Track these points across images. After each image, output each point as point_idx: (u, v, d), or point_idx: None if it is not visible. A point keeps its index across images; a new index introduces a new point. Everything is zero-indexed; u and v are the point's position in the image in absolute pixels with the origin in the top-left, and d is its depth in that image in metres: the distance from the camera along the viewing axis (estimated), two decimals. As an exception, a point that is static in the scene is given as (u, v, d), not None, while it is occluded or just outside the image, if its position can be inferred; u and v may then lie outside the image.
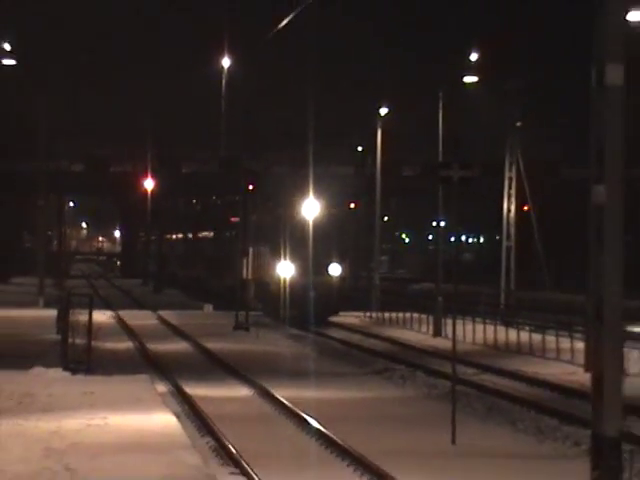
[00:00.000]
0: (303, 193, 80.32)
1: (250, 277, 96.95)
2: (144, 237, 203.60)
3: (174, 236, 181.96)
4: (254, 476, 32.38)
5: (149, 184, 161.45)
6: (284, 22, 51.95)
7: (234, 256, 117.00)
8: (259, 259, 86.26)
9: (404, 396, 51.05)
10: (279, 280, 73.77)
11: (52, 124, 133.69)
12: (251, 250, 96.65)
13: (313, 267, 73.26)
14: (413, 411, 46.06)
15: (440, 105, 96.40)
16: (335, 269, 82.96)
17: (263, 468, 33.07)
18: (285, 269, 71.78)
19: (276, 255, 75.66)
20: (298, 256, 75.43)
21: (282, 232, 74.19)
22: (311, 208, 71.34)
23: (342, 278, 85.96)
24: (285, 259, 73.76)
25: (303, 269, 72.94)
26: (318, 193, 77.25)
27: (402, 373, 59.64)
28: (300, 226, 73.06)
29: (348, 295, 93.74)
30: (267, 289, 76.74)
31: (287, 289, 73.72)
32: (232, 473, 33.28)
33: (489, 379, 56.67)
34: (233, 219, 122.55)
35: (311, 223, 71.09)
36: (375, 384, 55.69)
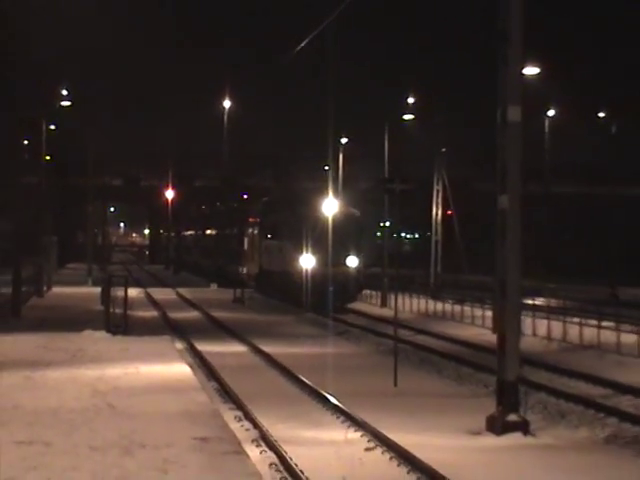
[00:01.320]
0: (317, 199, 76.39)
1: (267, 268, 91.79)
2: (166, 233, 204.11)
3: (189, 233, 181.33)
4: (247, 410, 32.65)
5: (170, 194, 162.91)
6: (300, 46, 47.02)
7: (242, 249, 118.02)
8: (282, 252, 78.71)
9: (358, 351, 51.14)
10: (301, 271, 69.10)
11: (98, 148, 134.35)
12: (267, 244, 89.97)
13: (332, 259, 67.67)
14: (365, 362, 46.17)
15: (386, 136, 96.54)
16: (352, 261, 76.72)
17: (253, 404, 33.33)
18: (307, 261, 67.99)
19: (298, 249, 70.51)
20: (318, 250, 70.13)
21: (304, 228, 69.15)
22: (331, 207, 66.05)
23: (358, 269, 79.00)
24: (307, 252, 69.41)
25: (323, 261, 68.18)
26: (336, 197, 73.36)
27: (357, 334, 59.70)
28: (321, 223, 67.32)
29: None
30: (290, 279, 72.49)
31: (309, 279, 67.97)
32: (230, 408, 33.45)
33: (422, 339, 56.77)
34: (251, 219, 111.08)
35: (330, 220, 65.74)
36: (337, 343, 55.67)
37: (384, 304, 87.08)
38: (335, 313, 62.69)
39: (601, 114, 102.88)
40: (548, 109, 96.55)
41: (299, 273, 67.80)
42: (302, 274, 67.65)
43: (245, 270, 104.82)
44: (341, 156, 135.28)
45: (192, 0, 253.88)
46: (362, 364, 45.73)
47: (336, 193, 76.33)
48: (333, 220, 64.85)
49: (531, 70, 66.46)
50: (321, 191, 71.32)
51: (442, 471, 24.19)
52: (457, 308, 72.04)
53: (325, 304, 65.23)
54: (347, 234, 74.68)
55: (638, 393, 37.99)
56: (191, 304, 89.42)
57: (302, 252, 67.24)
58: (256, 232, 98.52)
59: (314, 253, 67.01)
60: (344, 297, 70.49)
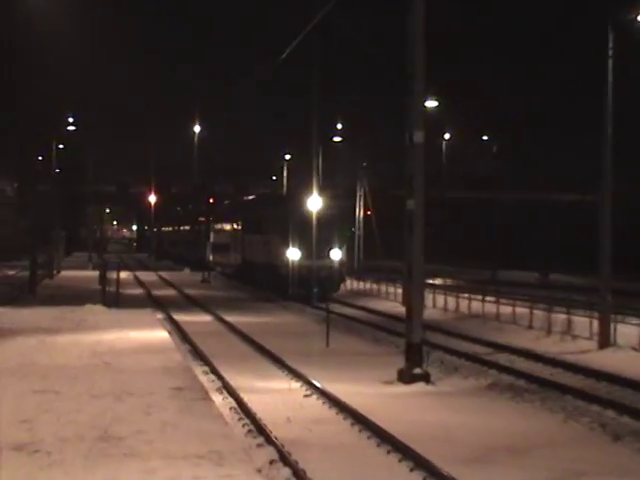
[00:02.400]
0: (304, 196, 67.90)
1: (250, 259, 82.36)
2: (149, 229, 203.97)
3: (166, 229, 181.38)
4: (213, 365, 32.76)
5: (152, 198, 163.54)
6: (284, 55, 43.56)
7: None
8: (267, 246, 69.90)
9: (299, 321, 51.19)
10: (287, 263, 62.14)
11: (96, 162, 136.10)
12: (250, 238, 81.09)
13: (316, 253, 59.99)
14: (304, 329, 46.21)
15: (320, 154, 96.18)
16: (335, 254, 65.52)
17: (217, 361, 33.40)
18: (293, 254, 61.10)
19: (284, 242, 62.91)
20: (304, 243, 62.21)
21: (289, 223, 62.99)
22: (315, 204, 60.33)
23: (341, 262, 67.67)
24: (292, 246, 62.11)
25: (308, 254, 60.48)
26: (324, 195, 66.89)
27: (298, 307, 59.63)
28: (305, 218, 61.01)
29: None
30: (276, 271, 64.94)
31: (294, 271, 61.90)
32: (200, 365, 33.52)
33: (348, 310, 56.85)
34: (232, 217, 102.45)
35: (315, 216, 59.92)
36: (282, 313, 55.86)
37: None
38: (319, 303, 55.97)
39: (485, 137, 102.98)
40: (444, 132, 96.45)
41: (285, 265, 61.58)
42: (288, 266, 61.43)
43: (228, 260, 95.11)
44: (285, 169, 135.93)
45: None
46: (302, 330, 45.85)
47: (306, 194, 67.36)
48: (317, 216, 58.90)
49: (432, 103, 67.13)
50: (305, 190, 65.82)
51: (361, 411, 24.38)
52: (375, 287, 71.89)
53: (309, 294, 60.21)
54: (330, 229, 65.44)
55: (512, 351, 38.55)
56: (168, 283, 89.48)
57: (288, 246, 61.26)
58: (238, 227, 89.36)
59: (299, 247, 60.88)
60: (328, 288, 61.73)
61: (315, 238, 58.60)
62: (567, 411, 26.07)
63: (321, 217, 58.68)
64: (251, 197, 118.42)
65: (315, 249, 58.76)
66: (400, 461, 19.98)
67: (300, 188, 72.76)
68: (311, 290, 59.21)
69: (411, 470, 19.23)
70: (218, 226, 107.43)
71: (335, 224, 65.15)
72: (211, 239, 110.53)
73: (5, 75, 46.75)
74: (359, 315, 54.25)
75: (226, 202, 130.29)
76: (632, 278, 61.19)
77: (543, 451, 21.26)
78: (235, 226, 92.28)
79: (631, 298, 44.44)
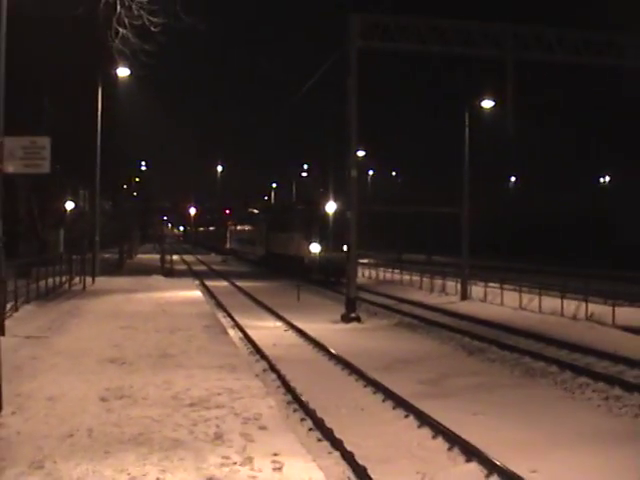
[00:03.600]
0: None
1: (274, 251, 69.99)
2: (190, 229, 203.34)
3: (200, 229, 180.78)
4: (229, 312, 32.87)
5: (192, 210, 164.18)
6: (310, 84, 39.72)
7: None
8: (293, 241, 58.68)
9: (279, 284, 51.08)
10: (310, 254, 53.24)
11: (160, 188, 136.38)
12: (274, 235, 69.18)
13: (332, 246, 51.56)
14: (284, 290, 46.13)
15: (293, 187, 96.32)
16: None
17: (232, 309, 33.46)
18: (315, 248, 52.56)
19: (308, 239, 53.83)
20: (323, 239, 53.09)
21: (312, 224, 53.67)
22: (332, 208, 53.08)
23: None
24: (314, 241, 53.35)
25: (326, 247, 52.11)
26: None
27: (279, 276, 59.40)
28: (325, 220, 52.89)
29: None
30: (301, 261, 55.35)
31: (316, 261, 52.92)
32: (221, 312, 33.61)
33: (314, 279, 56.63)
34: (257, 219, 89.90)
35: (331, 217, 52.84)
36: (271, 281, 55.77)
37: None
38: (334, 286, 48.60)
39: (394, 173, 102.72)
40: (369, 169, 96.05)
41: (308, 257, 53.06)
42: (310, 257, 53.01)
43: (253, 251, 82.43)
44: (273, 194, 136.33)
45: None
46: (281, 291, 45.81)
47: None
48: (333, 217, 52.27)
49: (361, 152, 66.67)
50: (323, 199, 57.65)
51: (319, 339, 24.64)
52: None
53: (327, 279, 52.02)
54: (344, 227, 51.09)
55: (410, 302, 38.62)
56: (202, 262, 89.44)
57: (310, 241, 53.06)
58: (262, 227, 76.98)
59: (320, 242, 52.69)
60: (342, 274, 50.26)
61: (332, 235, 51.66)
62: (441, 338, 26.39)
63: (336, 218, 51.19)
64: (274, 205, 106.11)
65: (332, 243, 51.42)
66: (342, 369, 20.32)
67: (318, 197, 63.20)
68: (329, 276, 51.62)
69: (349, 374, 19.57)
70: (244, 226, 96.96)
71: (347, 223, 56.83)
72: (237, 235, 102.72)
73: (106, 135, 46.78)
74: (320, 282, 53.15)
75: (250, 209, 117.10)
76: (481, 258, 61.17)
77: (426, 362, 21.61)
78: (260, 226, 79.44)
79: (480, 270, 44.66)
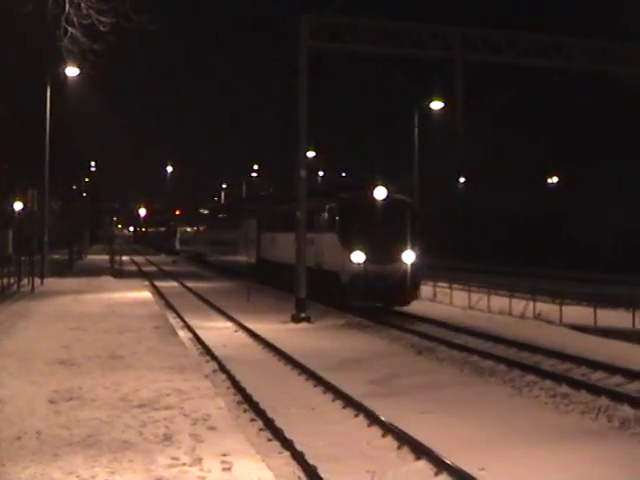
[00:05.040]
0: None
1: (270, 259, 48.40)
2: (140, 230, 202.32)
3: (150, 229, 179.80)
4: (179, 313, 32.75)
5: (142, 211, 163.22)
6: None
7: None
8: (319, 247, 37.08)
9: (230, 285, 50.94)
10: (347, 268, 33.62)
11: (109, 189, 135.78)
12: (274, 237, 46.99)
13: (383, 255, 33.77)
14: (233, 291, 45.99)
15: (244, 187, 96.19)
16: (408, 256, 34.63)
17: (182, 310, 33.35)
18: (358, 257, 33.42)
19: (342, 242, 34.23)
20: (368, 243, 33.86)
21: (348, 219, 34.68)
22: (382, 194, 33.81)
23: (415, 265, 34.90)
24: (357, 247, 33.54)
25: (374, 256, 33.53)
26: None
27: (230, 277, 59.18)
28: (369, 212, 34.70)
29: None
30: (334, 279, 34.48)
31: (357, 278, 33.26)
32: (171, 313, 33.47)
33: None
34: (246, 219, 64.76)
35: (381, 209, 34.41)
36: (222, 281, 55.65)
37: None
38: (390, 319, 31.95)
39: (343, 174, 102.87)
40: (319, 170, 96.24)
41: (344, 271, 33.47)
42: (348, 272, 33.34)
43: (242, 258, 59.56)
44: (222, 194, 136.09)
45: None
46: (232, 292, 45.68)
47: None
48: (383, 208, 34.09)
49: (311, 153, 66.57)
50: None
51: (268, 339, 24.64)
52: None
53: (375, 305, 34.35)
54: (400, 224, 35.39)
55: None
56: (152, 263, 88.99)
57: (347, 246, 33.64)
58: (252, 229, 54.70)
59: (362, 247, 33.32)
60: (399, 299, 34.38)
61: (382, 236, 33.80)
62: (390, 338, 26.47)
63: (389, 209, 34.30)
64: (263, 201, 78.56)
65: (383, 250, 33.59)
66: (292, 369, 20.33)
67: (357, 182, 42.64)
68: (378, 299, 34.30)
69: (299, 374, 19.58)
70: (244, 228, 68.58)
71: (407, 217, 35.10)
72: (201, 236, 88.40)
73: (55, 135, 46.39)
74: (270, 283, 52.93)
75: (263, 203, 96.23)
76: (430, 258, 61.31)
77: (375, 361, 21.67)
78: (246, 223, 58.89)
79: (429, 269, 44.64)
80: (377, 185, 34.31)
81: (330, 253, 35.03)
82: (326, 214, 36.21)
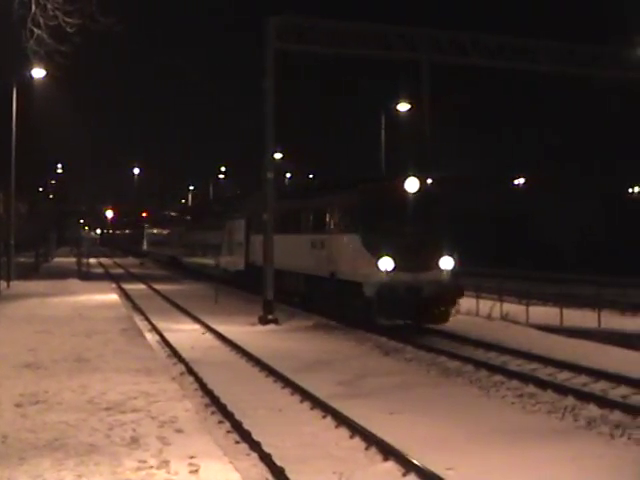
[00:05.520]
0: None
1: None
2: (108, 232, 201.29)
3: (118, 231, 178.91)
4: (146, 315, 32.66)
5: (109, 214, 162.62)
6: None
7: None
8: (335, 251, 29.60)
9: (197, 287, 50.84)
10: (376, 277, 26.50)
11: (76, 191, 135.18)
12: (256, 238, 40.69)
13: (418, 261, 27.10)
14: (200, 293, 45.94)
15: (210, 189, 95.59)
16: (447, 262, 27.41)
17: (150, 313, 33.27)
18: (386, 263, 26.40)
19: (371, 245, 27.03)
20: (397, 246, 26.95)
21: (371, 216, 27.92)
22: (414, 187, 27.70)
23: (455, 273, 27.94)
24: (385, 251, 26.58)
25: (406, 263, 26.66)
26: None
27: (197, 278, 58.97)
28: (398, 209, 27.96)
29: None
30: (357, 291, 27.10)
31: (389, 289, 26.38)
32: (138, 315, 33.37)
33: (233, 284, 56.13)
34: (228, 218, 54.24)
35: (412, 203, 27.97)
36: (190, 284, 55.48)
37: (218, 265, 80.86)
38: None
39: (311, 175, 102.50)
40: (287, 172, 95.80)
41: (373, 281, 26.80)
42: (377, 282, 26.74)
43: (220, 264, 52.59)
44: (190, 196, 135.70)
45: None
46: (200, 294, 45.54)
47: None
48: (415, 203, 27.78)
49: (278, 155, 66.57)
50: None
51: (236, 341, 24.63)
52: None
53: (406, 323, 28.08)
54: (437, 223, 28.82)
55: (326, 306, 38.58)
56: (119, 265, 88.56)
57: (372, 250, 27.12)
58: (238, 230, 46.55)
59: (392, 252, 26.83)
60: (436, 316, 27.80)
61: (416, 237, 27.47)
62: (358, 339, 26.42)
63: (422, 204, 27.82)
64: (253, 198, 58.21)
65: (417, 255, 27.24)
66: (260, 371, 20.32)
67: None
68: (411, 318, 27.75)
69: (267, 376, 19.57)
70: (226, 228, 56.73)
71: (444, 214, 29.30)
72: (181, 239, 75.15)
73: (21, 137, 46.13)
74: (238, 285, 52.72)
75: (251, 199, 78.99)
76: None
77: (343, 362, 21.69)
78: (229, 224, 50.78)
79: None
80: (408, 175, 27.63)
81: (350, 259, 27.89)
82: (344, 211, 29.32)
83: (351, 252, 28.13)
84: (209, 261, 57.98)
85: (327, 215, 30.97)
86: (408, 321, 27.78)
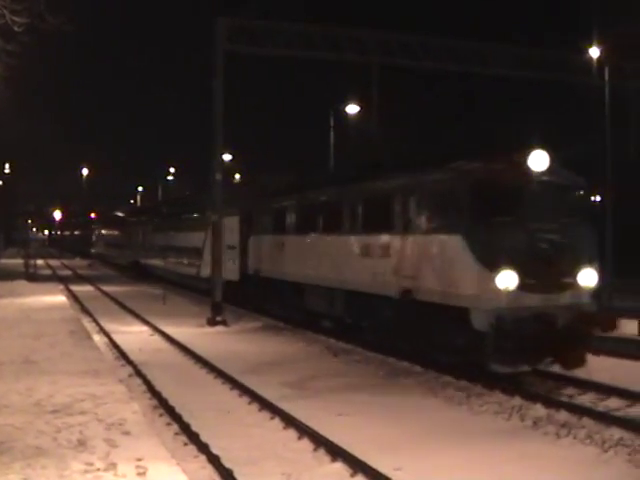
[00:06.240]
0: None
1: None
2: (56, 233, 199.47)
3: (66, 232, 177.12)
4: (94, 317, 32.44)
5: (57, 214, 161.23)
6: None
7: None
8: (404, 257, 19.75)
9: (145, 289, 50.55)
10: (493, 302, 16.56)
11: (23, 190, 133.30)
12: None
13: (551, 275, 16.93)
14: (149, 294, 45.72)
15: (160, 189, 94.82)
16: (589, 277, 17.47)
17: (97, 314, 33.02)
18: (507, 279, 16.40)
19: (485, 254, 16.86)
20: (516, 255, 16.79)
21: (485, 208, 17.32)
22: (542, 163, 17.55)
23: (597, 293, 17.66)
24: (504, 263, 16.47)
25: (537, 281, 16.62)
26: None
27: (145, 280, 58.56)
28: (519, 197, 17.83)
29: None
30: (463, 322, 17.13)
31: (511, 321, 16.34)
32: (86, 317, 33.15)
33: (180, 284, 55.74)
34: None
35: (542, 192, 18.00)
36: (138, 284, 55.11)
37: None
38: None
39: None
40: (236, 172, 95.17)
41: (488, 307, 16.86)
42: (494, 310, 16.75)
43: (201, 272, 41.47)
44: (138, 198, 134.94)
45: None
46: (149, 294, 45.46)
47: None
48: (544, 192, 17.68)
49: (227, 156, 66.38)
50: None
51: (184, 343, 24.57)
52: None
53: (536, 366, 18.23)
54: (574, 220, 18.14)
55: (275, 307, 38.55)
56: (67, 267, 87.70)
57: (491, 261, 16.76)
58: (228, 231, 34.00)
59: (513, 265, 16.66)
60: (574, 354, 17.31)
61: (548, 242, 17.77)
62: (307, 340, 26.45)
63: (554, 191, 18.36)
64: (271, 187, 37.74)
65: (550, 268, 17.59)
66: (208, 373, 20.28)
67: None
68: (543, 359, 17.75)
69: (215, 378, 19.53)
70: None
71: (585, 207, 19.75)
72: (145, 240, 63.35)
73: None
74: (185, 286, 52.27)
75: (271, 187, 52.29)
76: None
77: (292, 364, 21.68)
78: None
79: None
80: (531, 149, 18.46)
81: (445, 272, 18.67)
82: (433, 199, 19.53)
83: (447, 262, 18.57)
84: (187, 269, 46.73)
85: (397, 206, 20.88)
86: (536, 366, 18.40)
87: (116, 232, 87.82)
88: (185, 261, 47.48)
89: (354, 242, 23.48)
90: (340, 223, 24.61)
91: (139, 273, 61.81)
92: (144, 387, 17.94)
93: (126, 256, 73.01)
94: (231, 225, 35.67)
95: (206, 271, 38.05)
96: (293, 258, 26.90)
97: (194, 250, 44.38)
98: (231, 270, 35.43)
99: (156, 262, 57.57)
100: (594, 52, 37.08)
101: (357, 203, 23.65)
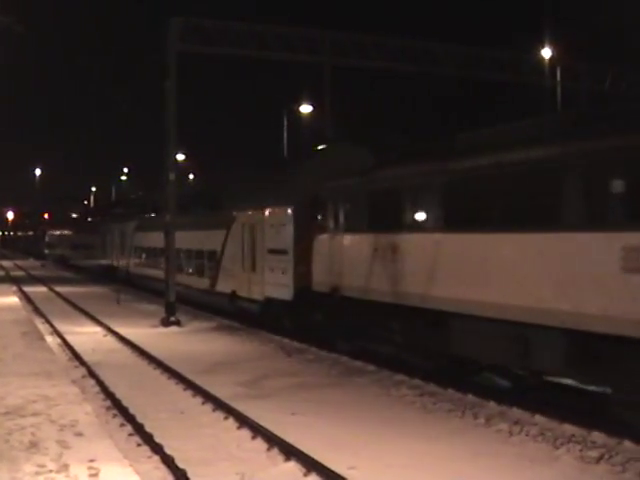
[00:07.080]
0: None
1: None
2: (9, 234, 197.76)
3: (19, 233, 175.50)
4: (47, 318, 32.23)
5: (10, 215, 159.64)
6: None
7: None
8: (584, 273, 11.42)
9: (99, 289, 50.35)
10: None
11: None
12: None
13: None
14: (103, 295, 45.56)
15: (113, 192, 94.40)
16: None
17: (51, 316, 32.88)
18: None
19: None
20: None
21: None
22: None
23: None
24: None
25: None
26: None
27: (100, 281, 58.24)
28: None
29: None
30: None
31: None
32: (39, 318, 32.93)
33: (140, 285, 55.35)
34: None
35: None
36: (91, 286, 54.82)
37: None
38: None
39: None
40: (189, 172, 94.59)
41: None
42: None
43: (217, 287, 32.87)
44: (92, 199, 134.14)
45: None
46: (103, 295, 45.27)
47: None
48: None
49: (180, 156, 66.11)
50: None
51: (138, 344, 24.51)
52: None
53: None
54: None
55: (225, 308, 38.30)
56: (20, 267, 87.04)
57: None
58: (269, 228, 25.87)
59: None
60: None
61: None
62: (260, 340, 26.51)
63: None
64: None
65: None
66: (162, 373, 20.22)
67: None
68: None
69: (168, 378, 19.47)
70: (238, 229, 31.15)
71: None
72: (134, 243, 50.76)
73: None
74: (142, 287, 51.84)
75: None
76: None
77: (245, 364, 21.68)
78: (253, 220, 28.46)
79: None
80: None
81: None
82: None
83: None
84: (198, 282, 36.28)
85: (564, 192, 13.39)
86: None
87: (68, 232, 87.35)
88: (191, 270, 37.66)
89: (605, 244, 12.45)
90: (562, 210, 13.56)
91: (115, 279, 52.60)
92: (97, 388, 17.84)
93: (97, 260, 64.68)
94: (277, 220, 26.02)
95: (225, 284, 31.80)
96: (424, 270, 17.58)
97: (207, 254, 35.10)
98: (278, 285, 25.88)
99: (146, 270, 46.38)
100: (546, 53, 37.50)
101: (549, 181, 13.80)
